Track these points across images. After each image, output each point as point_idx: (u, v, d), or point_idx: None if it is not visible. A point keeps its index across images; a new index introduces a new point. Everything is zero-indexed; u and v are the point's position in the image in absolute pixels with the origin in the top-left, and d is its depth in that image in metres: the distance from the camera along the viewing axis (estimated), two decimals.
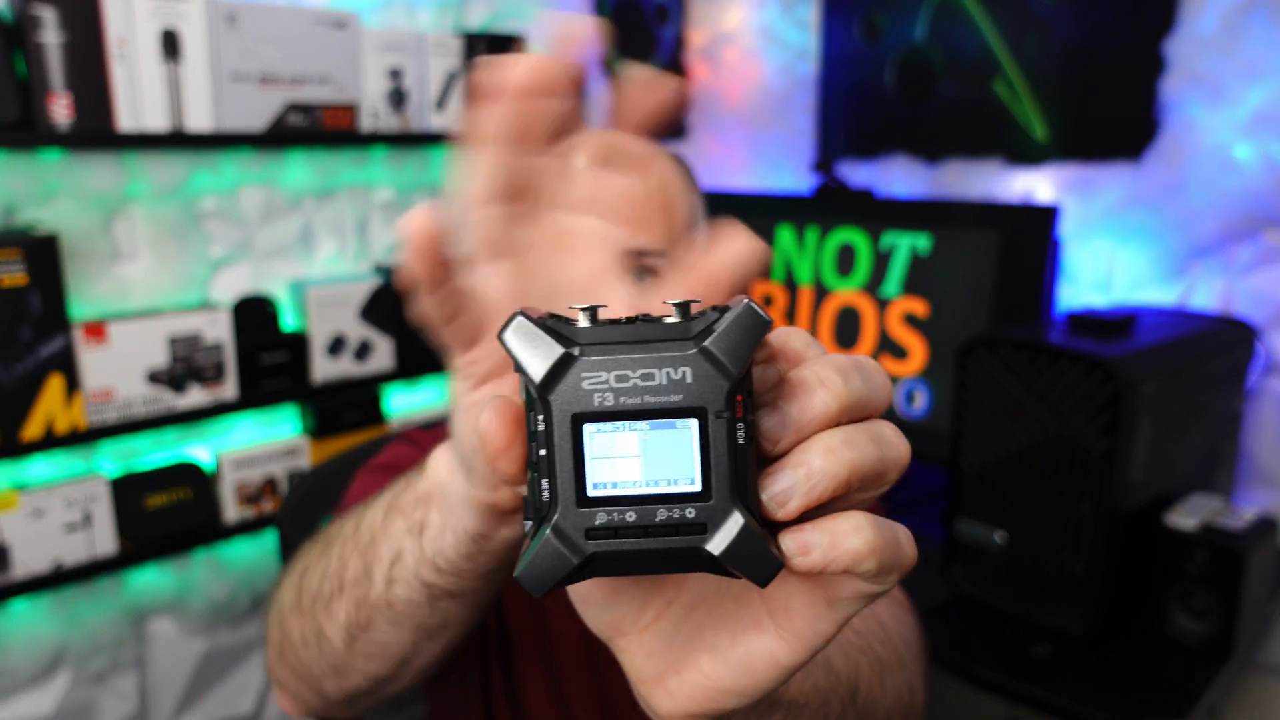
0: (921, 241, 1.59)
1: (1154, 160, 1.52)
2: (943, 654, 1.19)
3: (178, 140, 1.37)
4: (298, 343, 1.55)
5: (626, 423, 0.29)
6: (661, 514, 0.29)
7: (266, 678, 1.69)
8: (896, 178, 1.85)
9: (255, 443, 1.56)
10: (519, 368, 0.29)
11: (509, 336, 0.29)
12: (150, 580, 1.51)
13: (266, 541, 1.61)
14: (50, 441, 1.31)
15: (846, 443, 0.30)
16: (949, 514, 1.30)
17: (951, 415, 1.27)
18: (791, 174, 2.03)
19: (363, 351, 1.63)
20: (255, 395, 1.50)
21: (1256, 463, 1.46)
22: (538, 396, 0.29)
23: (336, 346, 1.60)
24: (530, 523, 0.30)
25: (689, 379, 0.29)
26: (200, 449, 1.54)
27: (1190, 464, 1.30)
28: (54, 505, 1.33)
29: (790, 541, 0.30)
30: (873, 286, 1.66)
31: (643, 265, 0.80)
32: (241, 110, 1.42)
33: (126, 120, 1.31)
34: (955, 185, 1.77)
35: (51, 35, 1.24)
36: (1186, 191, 1.48)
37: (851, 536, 0.29)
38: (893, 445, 0.31)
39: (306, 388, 1.57)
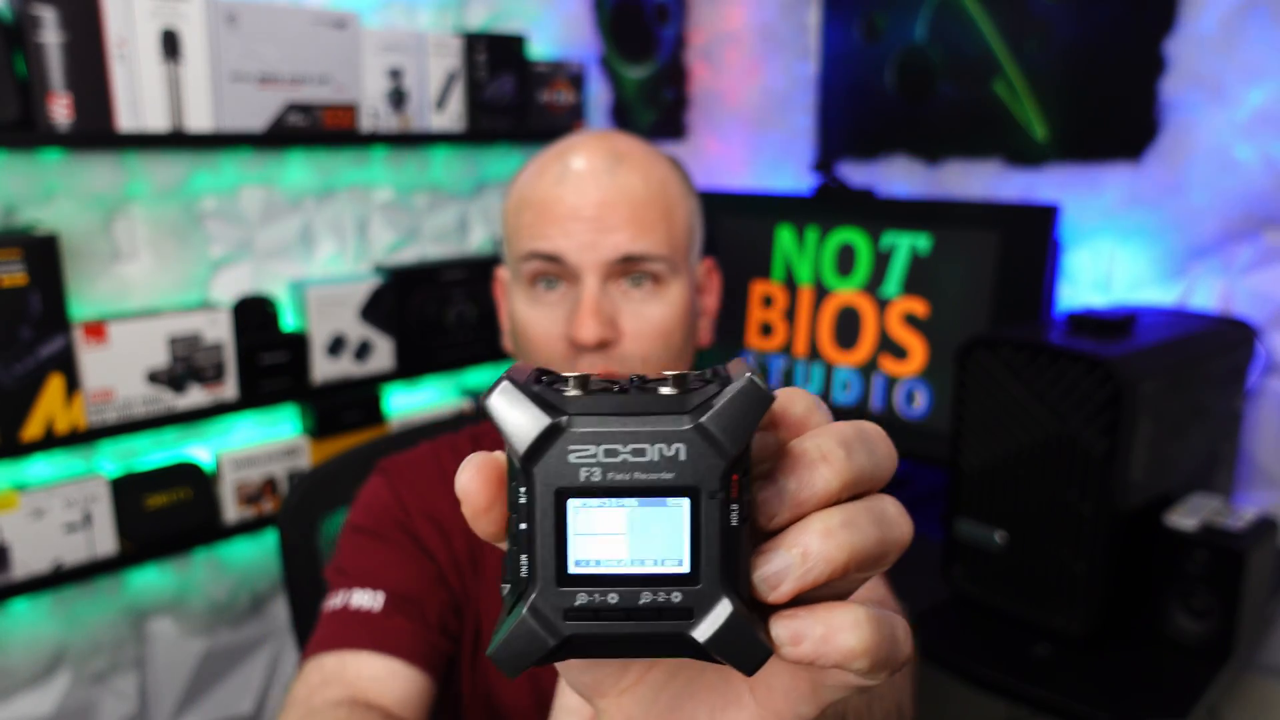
0: (921, 241, 1.59)
1: (1154, 160, 1.52)
2: (943, 654, 1.19)
3: (178, 140, 1.37)
4: (298, 343, 1.55)
5: (612, 500, 0.27)
6: (646, 597, 0.28)
7: (266, 676, 1.69)
8: (896, 178, 1.85)
9: (255, 443, 1.56)
10: (504, 438, 0.27)
11: (494, 402, 0.27)
12: (150, 580, 1.51)
13: (266, 542, 1.61)
14: (50, 441, 1.31)
15: (846, 524, 0.28)
16: (949, 514, 1.30)
17: (951, 415, 1.27)
18: (791, 174, 2.03)
19: (363, 351, 1.63)
20: (255, 395, 1.50)
21: (1256, 463, 1.46)
22: (521, 469, 0.28)
23: (336, 346, 1.60)
24: (508, 596, 0.29)
25: (682, 456, 0.27)
26: (200, 449, 1.54)
27: (1190, 464, 1.30)
28: (54, 505, 1.33)
29: (782, 629, 0.28)
30: (873, 286, 1.66)
31: (642, 271, 0.80)
32: (241, 110, 1.42)
33: (126, 120, 1.31)
34: (955, 185, 1.77)
35: (51, 35, 1.24)
36: (1186, 191, 1.48)
37: (847, 633, 0.28)
38: (894, 525, 0.29)
39: (306, 388, 1.57)
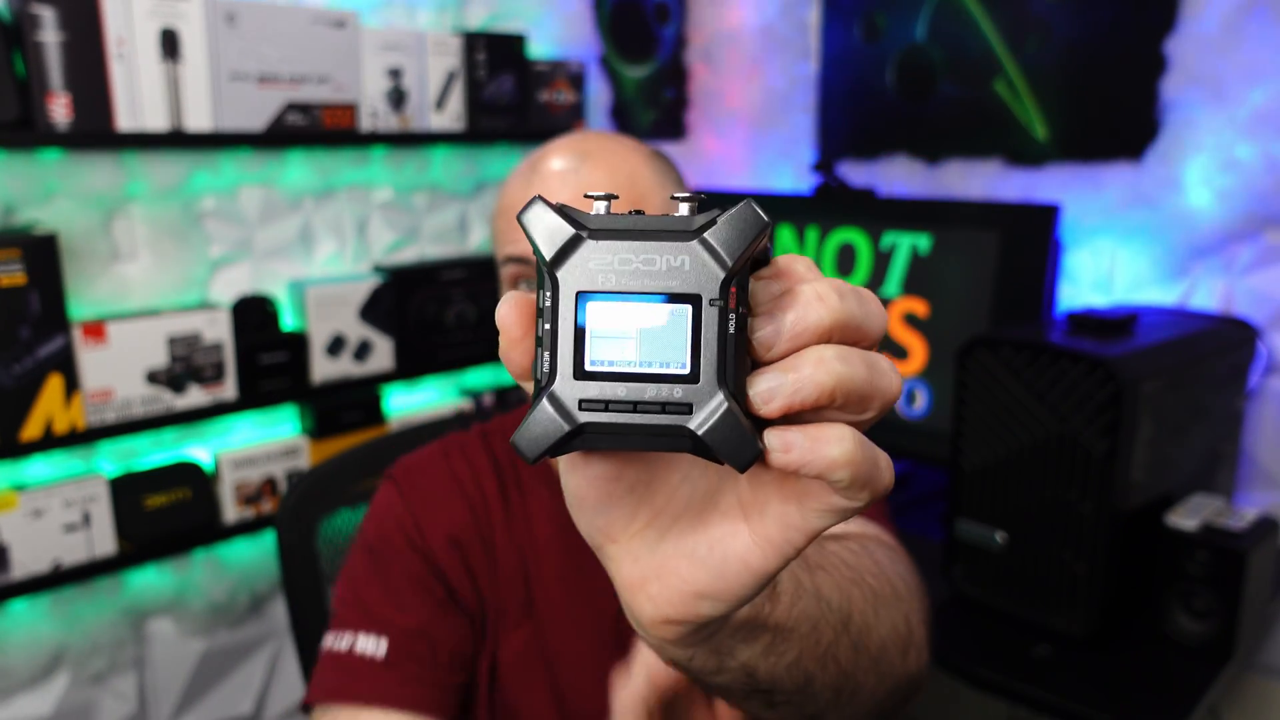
0: (922, 241, 1.59)
1: (1155, 160, 1.52)
2: (943, 654, 1.19)
3: (177, 140, 1.36)
4: (297, 343, 1.55)
5: (626, 303, 0.31)
6: (650, 391, 0.31)
7: (266, 676, 1.69)
8: (897, 178, 1.85)
9: (254, 443, 1.56)
10: (533, 246, 0.31)
11: (526, 217, 0.31)
12: (149, 580, 1.51)
13: (266, 542, 1.61)
14: (49, 442, 1.30)
15: (838, 357, 0.31)
16: (949, 514, 1.29)
17: (952, 415, 1.27)
18: (791, 174, 2.03)
19: (362, 351, 1.63)
20: (254, 395, 1.50)
21: (1257, 463, 1.46)
22: (547, 273, 0.31)
23: (336, 346, 1.59)
24: (533, 395, 0.32)
25: (687, 266, 0.30)
26: (199, 449, 1.53)
27: (1191, 464, 1.30)
28: (53, 505, 1.33)
29: (774, 437, 0.31)
30: (873, 286, 1.66)
31: None
32: (241, 110, 1.41)
33: (126, 120, 1.31)
34: (956, 185, 1.77)
35: (51, 35, 1.23)
36: (1187, 191, 1.48)
37: (833, 444, 0.30)
38: (884, 374, 0.32)
39: (306, 388, 1.57)
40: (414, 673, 0.78)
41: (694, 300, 0.30)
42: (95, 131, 1.29)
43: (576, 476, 0.36)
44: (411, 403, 1.79)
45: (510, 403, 1.85)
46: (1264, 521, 1.19)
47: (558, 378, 0.31)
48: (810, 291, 0.32)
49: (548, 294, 0.31)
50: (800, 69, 1.99)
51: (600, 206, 0.32)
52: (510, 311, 0.32)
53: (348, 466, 1.13)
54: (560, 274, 0.31)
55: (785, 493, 0.34)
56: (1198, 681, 1.13)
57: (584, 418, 0.31)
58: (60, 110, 1.26)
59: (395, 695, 0.76)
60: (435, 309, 1.71)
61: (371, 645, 0.78)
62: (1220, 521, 1.18)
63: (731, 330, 0.30)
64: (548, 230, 0.31)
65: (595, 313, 0.31)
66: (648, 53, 2.11)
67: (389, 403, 1.72)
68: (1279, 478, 1.44)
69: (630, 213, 0.31)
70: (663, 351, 0.31)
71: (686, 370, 0.31)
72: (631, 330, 0.31)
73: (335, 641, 0.80)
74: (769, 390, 0.31)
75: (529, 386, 0.33)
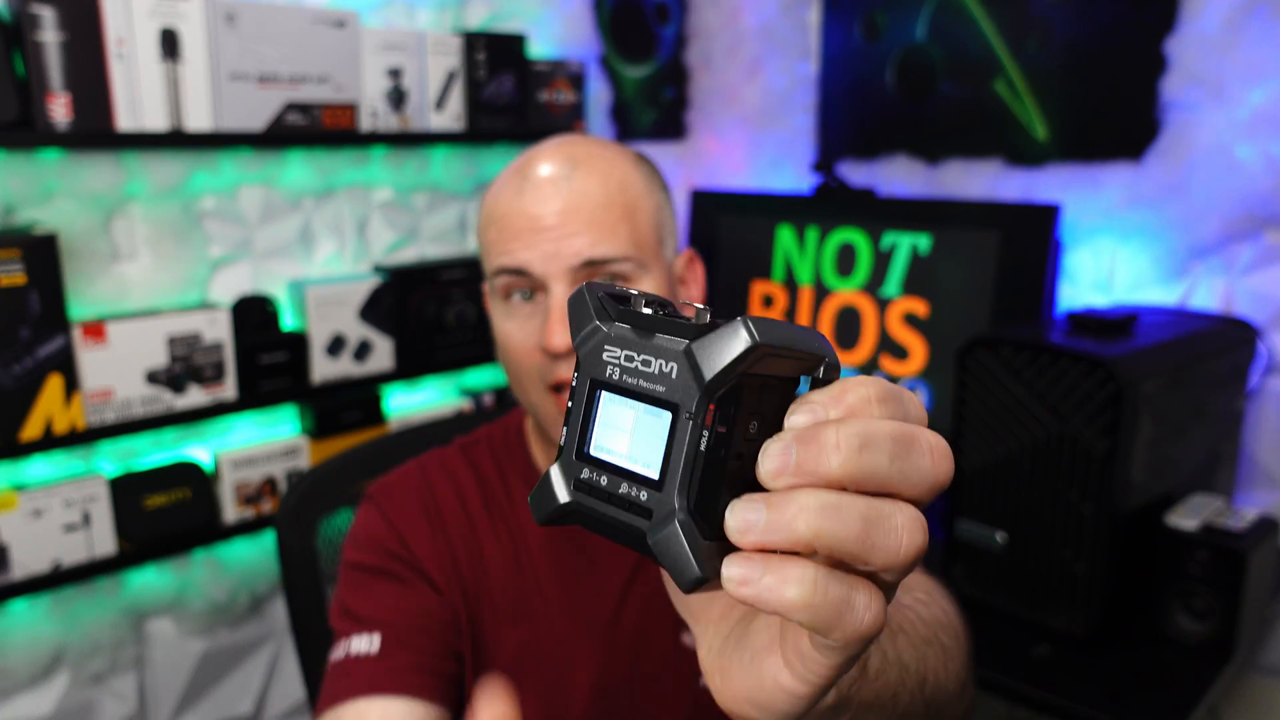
0: (922, 241, 1.59)
1: (1155, 160, 1.52)
2: None
3: (177, 140, 1.36)
4: (297, 343, 1.55)
5: (627, 399, 0.32)
6: (624, 488, 0.32)
7: (266, 677, 1.69)
8: (897, 178, 1.85)
9: (254, 443, 1.56)
10: (570, 326, 0.34)
11: (570, 301, 0.34)
12: (149, 581, 1.51)
13: (266, 542, 1.61)
14: (49, 442, 1.30)
15: (825, 509, 0.29)
16: (949, 514, 1.29)
17: (952, 415, 1.27)
18: (792, 174, 2.03)
19: (362, 351, 1.63)
20: (254, 395, 1.50)
21: (1258, 463, 1.45)
22: (577, 356, 0.34)
23: (336, 346, 1.59)
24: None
25: (674, 375, 0.31)
26: (199, 449, 1.53)
27: (1191, 464, 1.29)
28: (53, 505, 1.33)
29: (735, 568, 0.30)
30: (873, 286, 1.66)
31: (609, 274, 0.80)
32: (240, 110, 1.41)
33: (125, 120, 1.31)
34: (956, 185, 1.77)
35: (50, 34, 1.23)
36: (1187, 191, 1.48)
37: (792, 586, 0.29)
38: (891, 533, 0.30)
39: (306, 388, 1.57)
40: (408, 661, 0.78)
41: (674, 409, 0.30)
42: (95, 131, 1.29)
43: None
44: (411, 403, 1.79)
45: (509, 403, 1.85)
46: (1264, 521, 1.19)
47: (564, 455, 0.33)
48: (833, 435, 0.30)
49: (576, 373, 0.34)
50: (800, 69, 1.99)
51: (638, 301, 0.33)
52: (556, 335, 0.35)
53: (348, 467, 1.13)
54: (581, 359, 0.33)
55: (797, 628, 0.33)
56: (1198, 682, 1.13)
57: (573, 496, 0.33)
58: (60, 110, 1.26)
59: (392, 683, 0.76)
60: (435, 309, 1.71)
61: (365, 644, 0.78)
62: (1220, 521, 1.18)
63: (702, 448, 0.30)
64: (579, 318, 0.33)
65: (604, 402, 0.32)
66: (648, 52, 2.11)
67: (389, 403, 1.72)
68: (1279, 478, 1.44)
69: (660, 312, 0.32)
70: (644, 452, 0.31)
71: (656, 476, 0.31)
72: (627, 425, 0.32)
73: (334, 655, 0.80)
74: (745, 523, 0.30)
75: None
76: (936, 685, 0.54)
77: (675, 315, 0.32)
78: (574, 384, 0.33)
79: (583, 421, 0.33)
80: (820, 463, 0.29)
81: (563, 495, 0.33)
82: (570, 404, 0.34)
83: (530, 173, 0.80)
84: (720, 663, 0.37)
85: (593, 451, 0.33)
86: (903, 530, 0.30)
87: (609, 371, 0.32)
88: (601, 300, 0.33)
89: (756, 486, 0.31)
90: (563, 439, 0.34)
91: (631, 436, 0.31)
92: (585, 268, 0.78)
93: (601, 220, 0.78)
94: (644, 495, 0.31)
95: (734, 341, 0.29)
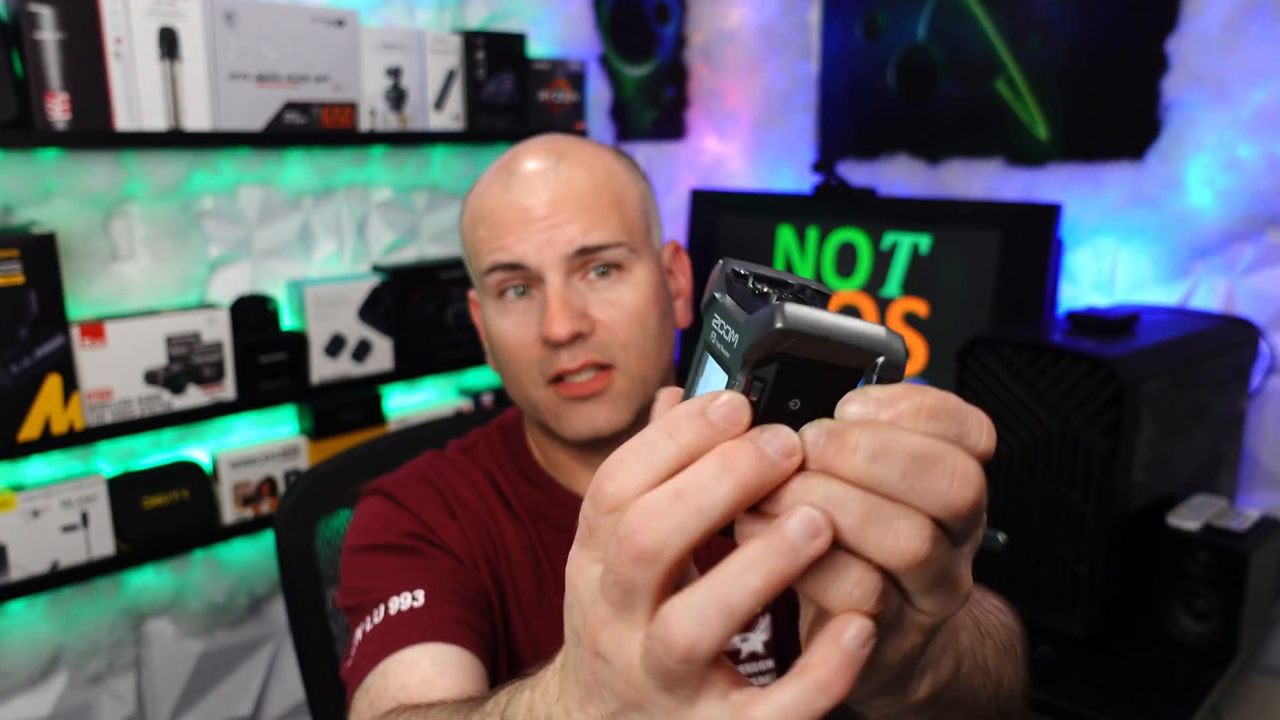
0: (923, 241, 1.58)
1: (1156, 159, 1.51)
2: None
3: (176, 139, 1.36)
4: (296, 343, 1.55)
5: (713, 360, 0.36)
6: None
7: (265, 677, 1.68)
8: (897, 177, 1.85)
9: (253, 443, 1.56)
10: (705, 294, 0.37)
11: (713, 274, 0.37)
12: (148, 581, 1.50)
13: (265, 542, 1.61)
14: (47, 442, 1.30)
15: (832, 498, 0.31)
16: None
17: None
18: (792, 174, 2.03)
19: (361, 351, 1.62)
20: (253, 395, 1.50)
21: (1260, 463, 1.45)
22: (701, 321, 0.37)
23: (335, 347, 1.59)
24: None
25: (735, 344, 0.34)
26: (198, 449, 1.53)
27: (1193, 464, 1.29)
28: (51, 506, 1.33)
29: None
30: (873, 287, 1.65)
31: (603, 261, 0.80)
32: (239, 109, 1.41)
33: (124, 119, 1.31)
34: (957, 185, 1.77)
35: (49, 33, 1.23)
36: (1189, 191, 1.47)
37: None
38: (889, 535, 0.31)
39: (305, 388, 1.56)
40: (454, 614, 0.75)
41: (729, 372, 0.34)
42: (93, 131, 1.29)
43: None
44: (411, 403, 1.78)
45: (508, 404, 1.85)
46: (1266, 522, 1.19)
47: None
48: (853, 439, 0.31)
49: (699, 337, 0.37)
50: (801, 68, 1.99)
51: (759, 280, 0.36)
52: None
53: (347, 467, 1.13)
54: (705, 322, 0.36)
55: None
56: (1199, 683, 1.13)
57: None
58: (58, 110, 1.25)
59: (444, 632, 0.72)
60: (434, 309, 1.70)
61: (408, 601, 0.75)
62: (1222, 522, 1.18)
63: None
64: (711, 287, 0.36)
65: (706, 361, 0.37)
66: (648, 52, 2.10)
67: (388, 403, 1.72)
68: None
69: (762, 289, 0.36)
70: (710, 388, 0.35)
71: None
72: (711, 382, 0.36)
73: (371, 620, 0.75)
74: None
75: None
76: (1010, 691, 0.56)
77: (785, 276, 0.36)
78: (697, 347, 0.37)
79: (692, 375, 0.37)
80: (836, 460, 0.31)
81: None
82: (693, 360, 0.37)
83: (516, 168, 0.80)
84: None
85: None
86: (907, 532, 0.31)
87: (712, 336, 0.36)
88: (729, 275, 0.36)
89: None
90: (688, 386, 0.38)
91: (708, 373, 0.36)
92: (579, 255, 0.78)
93: (591, 208, 0.78)
94: None
95: (766, 323, 0.32)
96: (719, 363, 0.35)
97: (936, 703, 0.44)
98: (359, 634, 0.75)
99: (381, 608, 0.75)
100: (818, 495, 0.31)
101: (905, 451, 0.31)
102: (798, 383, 0.33)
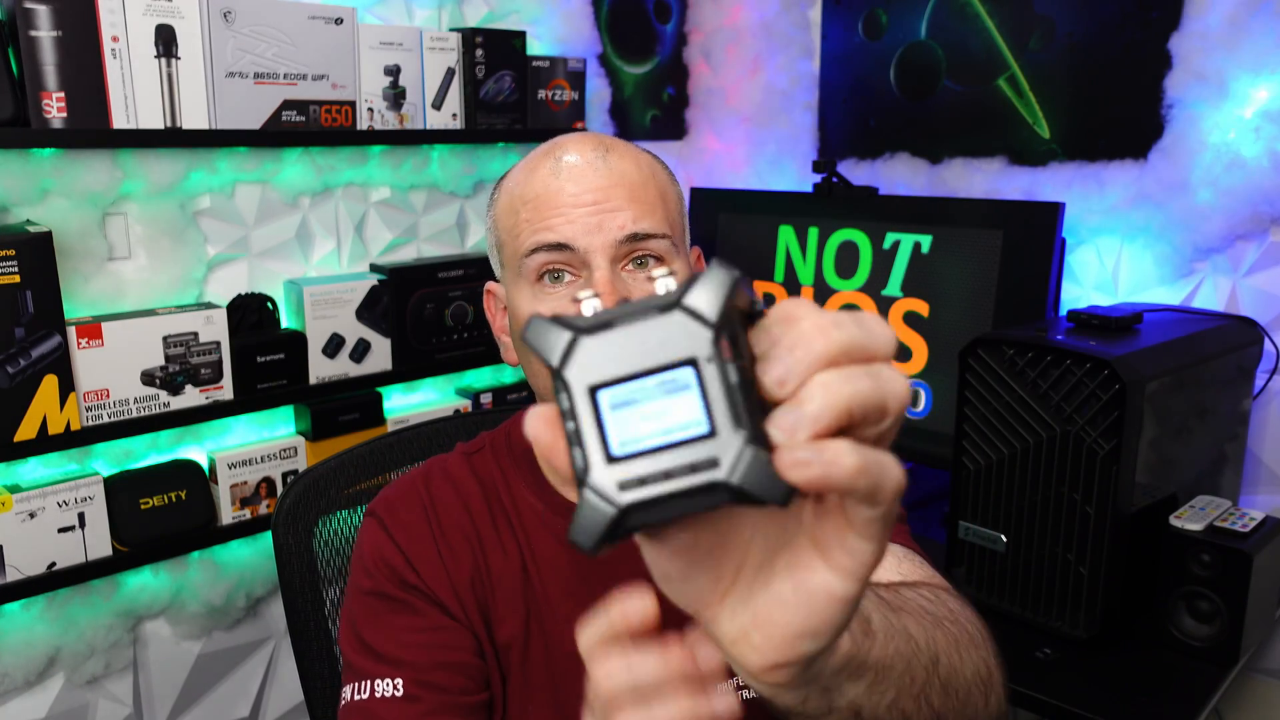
0: (924, 241, 1.58)
1: (1159, 158, 1.50)
2: None
3: (173, 138, 1.35)
4: (294, 342, 1.54)
5: (633, 384, 0.33)
6: (680, 457, 0.32)
7: (263, 679, 1.68)
8: (899, 177, 1.84)
9: (251, 443, 1.55)
10: (542, 359, 0.33)
11: (528, 335, 0.34)
12: (145, 582, 1.50)
13: (263, 543, 1.60)
14: (44, 442, 1.29)
15: (843, 378, 0.32)
16: (951, 516, 1.28)
17: (954, 416, 1.26)
18: (793, 173, 2.02)
19: (360, 352, 1.62)
20: (251, 395, 1.49)
21: (1263, 464, 1.44)
22: (558, 379, 0.33)
23: (333, 347, 1.58)
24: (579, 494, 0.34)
25: (676, 335, 0.32)
26: (196, 450, 1.52)
27: (1196, 465, 1.29)
28: (48, 507, 1.32)
29: (788, 458, 0.32)
30: (874, 286, 1.65)
31: (648, 251, 0.80)
32: (237, 108, 1.40)
33: (121, 118, 1.30)
34: (958, 184, 1.76)
35: (45, 31, 1.22)
36: (1192, 190, 1.47)
37: (844, 454, 0.32)
38: (890, 379, 0.34)
39: (303, 388, 1.56)
40: (435, 703, 0.77)
41: (692, 363, 0.32)
42: (90, 130, 1.28)
43: (657, 555, 0.38)
44: (409, 403, 1.78)
45: (508, 405, 1.84)
46: (1269, 523, 1.18)
47: (592, 469, 0.33)
48: (810, 327, 0.33)
49: (565, 396, 0.33)
50: (802, 67, 1.98)
51: (589, 306, 0.34)
52: (537, 424, 0.35)
53: (345, 467, 1.12)
54: (568, 375, 0.33)
55: (834, 521, 0.36)
56: (1202, 684, 1.13)
57: (625, 498, 0.33)
58: (55, 108, 1.25)
59: None
60: (433, 309, 1.70)
61: (389, 687, 0.77)
62: (1225, 523, 1.17)
63: (733, 381, 0.32)
64: (548, 341, 0.33)
65: (608, 401, 0.33)
66: (648, 50, 2.10)
67: (387, 403, 1.71)
68: None
69: (615, 308, 0.34)
70: (678, 417, 0.32)
71: (705, 429, 0.32)
72: (648, 406, 0.33)
73: (356, 693, 0.79)
74: (792, 426, 0.32)
75: (574, 489, 0.35)
76: (950, 668, 0.55)
77: (633, 304, 0.34)
78: (565, 405, 0.33)
79: (597, 431, 0.33)
80: (815, 351, 0.33)
81: (618, 500, 0.33)
82: (570, 424, 0.33)
83: (563, 155, 0.80)
84: (752, 619, 0.38)
85: (620, 451, 0.33)
86: (893, 375, 0.34)
87: (604, 370, 0.33)
88: (560, 317, 0.34)
89: (769, 410, 0.34)
90: (579, 460, 0.33)
91: (655, 415, 0.33)
92: (628, 242, 0.77)
93: (641, 197, 0.79)
94: (702, 451, 0.32)
95: (722, 278, 0.32)
96: (654, 373, 0.33)
97: (865, 667, 0.44)
98: (346, 699, 0.79)
99: (367, 684, 0.79)
100: (834, 382, 0.33)
101: (844, 316, 0.34)
102: (739, 335, 0.34)
